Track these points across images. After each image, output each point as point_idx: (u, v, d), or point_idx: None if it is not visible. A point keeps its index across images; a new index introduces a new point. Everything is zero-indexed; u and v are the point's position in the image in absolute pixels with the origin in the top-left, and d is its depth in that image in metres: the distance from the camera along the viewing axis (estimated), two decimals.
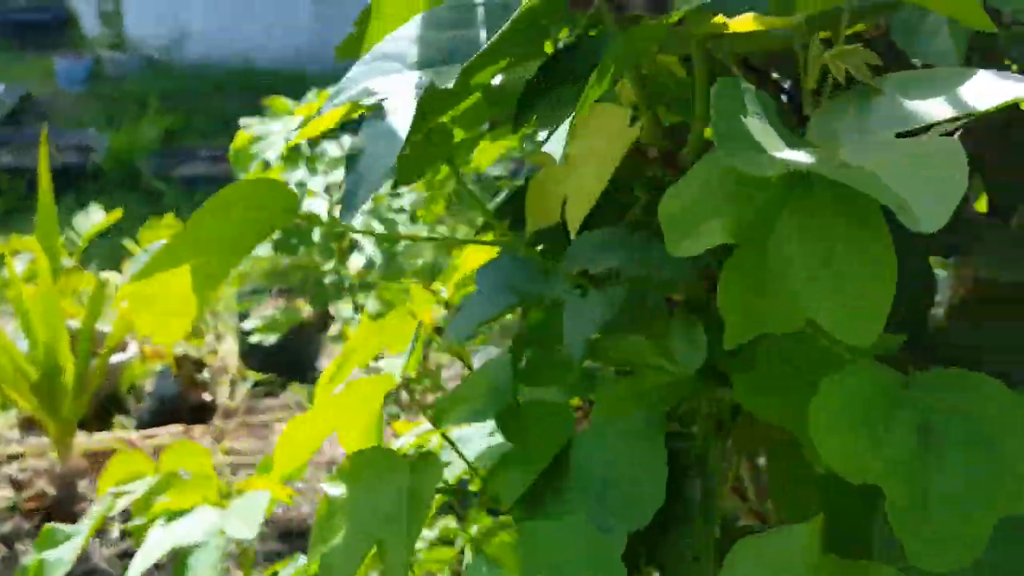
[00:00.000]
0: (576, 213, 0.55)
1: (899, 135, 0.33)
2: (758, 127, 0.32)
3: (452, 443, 0.60)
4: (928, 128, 0.31)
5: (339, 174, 2.19)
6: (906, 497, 0.36)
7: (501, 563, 0.41)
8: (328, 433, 0.62)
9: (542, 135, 0.38)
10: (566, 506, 0.51)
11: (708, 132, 0.50)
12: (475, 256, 0.87)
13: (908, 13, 0.42)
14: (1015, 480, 0.36)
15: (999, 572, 0.40)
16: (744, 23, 0.36)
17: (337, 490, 0.55)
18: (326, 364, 2.95)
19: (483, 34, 0.49)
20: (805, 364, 0.42)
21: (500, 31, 0.40)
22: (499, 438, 0.60)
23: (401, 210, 2.13)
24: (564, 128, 0.37)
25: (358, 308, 2.40)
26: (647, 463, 0.47)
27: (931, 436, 0.37)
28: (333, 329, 2.65)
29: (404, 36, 0.50)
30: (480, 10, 0.50)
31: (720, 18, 0.37)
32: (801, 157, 0.31)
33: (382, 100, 0.46)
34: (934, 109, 0.32)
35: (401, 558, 0.51)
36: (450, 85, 0.39)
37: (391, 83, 0.47)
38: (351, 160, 0.44)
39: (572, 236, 0.55)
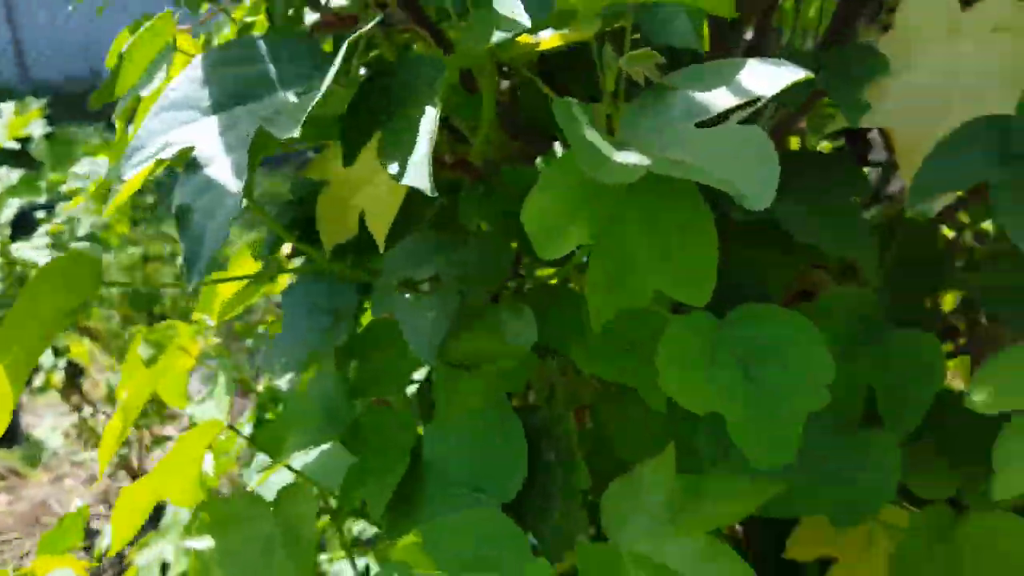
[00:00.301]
0: (380, 226, 0.58)
1: (699, 125, 0.39)
2: (595, 137, 0.37)
3: (298, 472, 0.61)
4: (726, 116, 0.38)
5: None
6: (739, 413, 0.44)
7: (412, 565, 0.44)
8: (163, 496, 0.60)
9: (392, 168, 0.40)
10: (433, 501, 0.54)
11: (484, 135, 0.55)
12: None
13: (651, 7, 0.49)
14: (806, 385, 0.46)
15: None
16: (551, 40, 0.41)
17: (203, 543, 0.54)
18: (33, 420, 2.67)
19: (272, 69, 0.50)
20: (632, 330, 0.49)
21: (327, 74, 0.42)
22: (339, 455, 0.62)
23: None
24: (422, 153, 0.39)
25: (59, 352, 2.20)
26: (504, 442, 0.52)
27: (745, 362, 0.45)
28: (36, 380, 2.40)
29: (187, 80, 0.49)
30: (262, 44, 0.51)
31: (527, 38, 0.41)
32: (638, 159, 0.36)
33: (189, 150, 0.46)
34: (722, 99, 0.39)
35: None
36: (295, 134, 0.40)
37: (194, 133, 0.46)
38: (182, 219, 0.43)
39: (381, 248, 0.58)
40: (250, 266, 0.88)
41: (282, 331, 0.63)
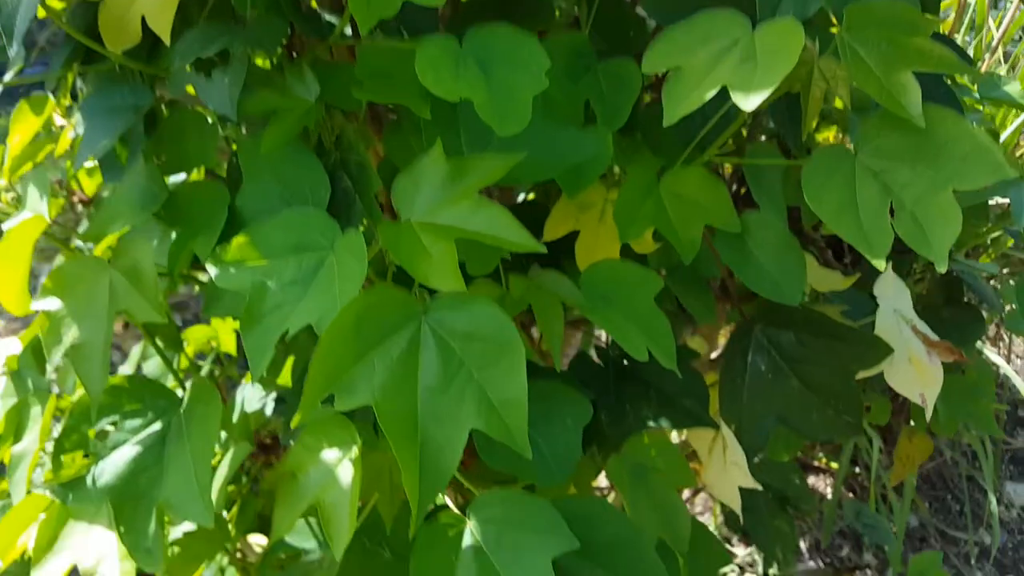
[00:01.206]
0: (163, 24, 0.66)
1: None
2: None
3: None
4: None
5: None
6: (482, 97, 0.58)
7: (245, 260, 0.55)
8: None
9: None
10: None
11: None
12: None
13: None
14: (530, 72, 0.60)
15: None
16: None
17: (51, 304, 0.62)
18: None
19: None
20: (393, 64, 0.62)
21: None
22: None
23: None
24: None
25: None
26: (307, 170, 0.63)
27: (483, 63, 0.59)
28: None
29: None
30: None
31: None
32: None
33: None
34: None
35: (99, 355, 0.61)
36: None
37: None
38: None
39: (167, 42, 0.66)
40: (32, 122, 0.92)
41: (85, 136, 0.70)
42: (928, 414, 0.76)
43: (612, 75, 0.70)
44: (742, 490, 1.18)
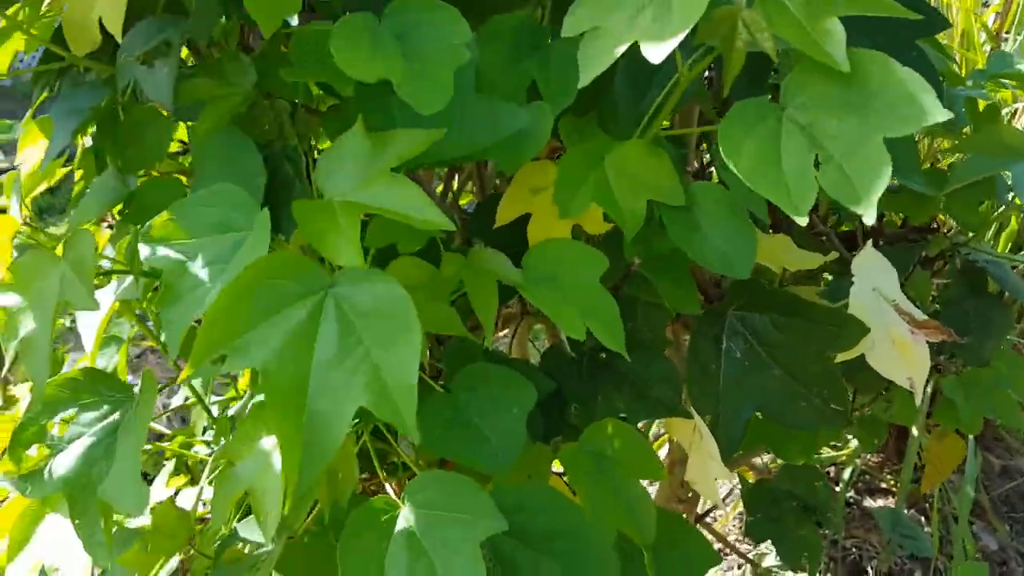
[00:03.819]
0: (115, 22, 0.68)
1: None
2: None
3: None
4: None
5: None
6: (400, 75, 0.57)
7: (168, 238, 0.56)
8: None
9: None
10: None
11: None
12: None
13: None
14: (449, 46, 0.59)
15: None
16: None
17: (9, 300, 0.64)
18: None
19: None
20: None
21: None
22: None
23: None
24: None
25: None
26: (244, 154, 0.64)
27: (402, 38, 0.59)
28: None
29: None
30: None
31: None
32: None
33: None
34: None
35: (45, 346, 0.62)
36: None
37: None
38: None
39: (118, 37, 0.68)
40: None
41: (52, 138, 0.72)
42: (917, 399, 0.71)
43: (564, 55, 0.69)
44: (766, 499, 1.13)
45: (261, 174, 0.63)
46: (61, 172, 1.00)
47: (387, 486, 0.61)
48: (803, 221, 0.51)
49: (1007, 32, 1.72)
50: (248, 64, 0.65)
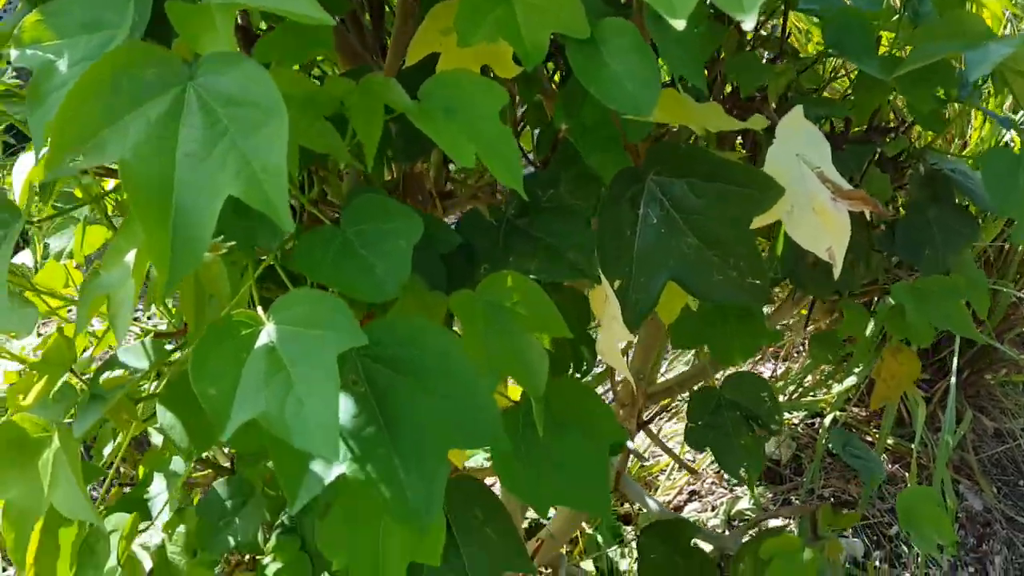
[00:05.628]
0: None
1: None
2: None
3: None
4: None
5: None
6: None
7: None
8: None
9: None
10: None
11: None
12: None
13: None
14: None
15: None
16: None
17: None
18: None
19: None
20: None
21: None
22: None
23: None
24: None
25: None
26: None
27: None
28: None
29: None
30: None
31: None
32: None
33: None
34: None
35: None
36: None
37: None
38: None
39: None
40: None
41: None
42: (836, 271, 0.68)
43: None
44: (709, 407, 1.11)
45: None
46: None
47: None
48: (679, 26, 0.48)
49: None
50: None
